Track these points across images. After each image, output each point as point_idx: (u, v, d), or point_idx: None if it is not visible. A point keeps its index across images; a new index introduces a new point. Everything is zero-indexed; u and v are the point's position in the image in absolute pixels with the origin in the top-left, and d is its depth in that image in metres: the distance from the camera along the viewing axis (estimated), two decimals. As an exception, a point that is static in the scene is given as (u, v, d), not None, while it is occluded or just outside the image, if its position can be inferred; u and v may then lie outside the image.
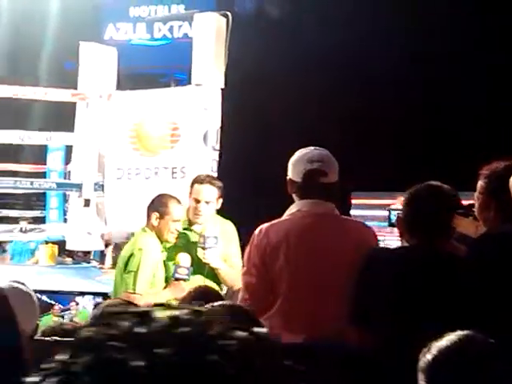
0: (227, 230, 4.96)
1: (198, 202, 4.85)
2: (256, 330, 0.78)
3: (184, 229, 4.94)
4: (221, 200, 4.92)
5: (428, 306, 3.09)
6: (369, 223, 4.24)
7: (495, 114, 9.62)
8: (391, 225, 4.27)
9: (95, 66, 6.57)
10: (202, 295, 3.38)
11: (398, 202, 9.57)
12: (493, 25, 9.51)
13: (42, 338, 3.16)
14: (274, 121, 9.46)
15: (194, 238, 4.92)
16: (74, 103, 6.70)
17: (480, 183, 3.32)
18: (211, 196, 4.87)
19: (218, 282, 4.89)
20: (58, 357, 0.75)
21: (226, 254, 4.90)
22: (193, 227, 4.94)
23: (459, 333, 2.07)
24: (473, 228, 3.45)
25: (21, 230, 6.62)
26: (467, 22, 9.43)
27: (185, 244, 4.93)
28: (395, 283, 3.14)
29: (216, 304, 3.23)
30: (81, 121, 6.60)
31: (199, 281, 4.81)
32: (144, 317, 0.76)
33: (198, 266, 4.87)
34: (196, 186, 4.90)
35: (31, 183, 6.70)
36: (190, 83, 6.48)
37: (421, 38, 9.58)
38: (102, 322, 0.76)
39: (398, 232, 3.39)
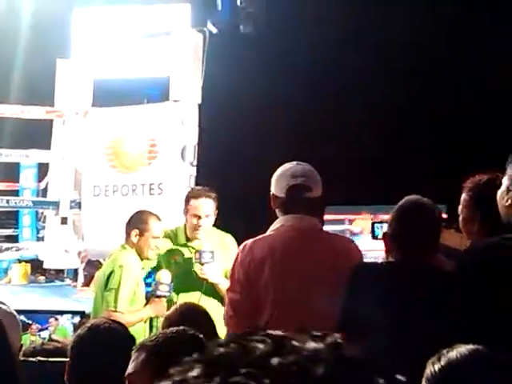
0: (228, 244, 4.90)
1: (197, 217, 4.81)
2: None
3: (181, 245, 4.89)
4: (216, 211, 4.88)
5: (414, 320, 3.09)
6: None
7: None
8: (375, 238, 4.27)
9: (71, 82, 6.53)
10: (189, 312, 3.35)
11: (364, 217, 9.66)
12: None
13: (26, 359, 3.12)
14: (252, 135, 9.47)
15: (190, 254, 4.87)
16: (45, 120, 6.65)
17: (464, 196, 3.34)
18: (209, 209, 4.83)
19: (219, 297, 4.74)
20: (186, 372, 0.71)
21: (228, 268, 4.83)
22: (191, 243, 4.88)
23: (468, 347, 2.06)
24: (457, 239, 3.46)
25: (-1, 249, 6.56)
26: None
27: (183, 261, 4.86)
28: (383, 297, 3.14)
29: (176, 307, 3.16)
30: (57, 138, 6.56)
31: (196, 298, 4.74)
32: (281, 345, 0.72)
33: (196, 283, 4.82)
34: (192, 201, 4.84)
35: (7, 201, 6.63)
36: (162, 99, 6.47)
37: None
38: (237, 341, 0.72)
39: (385, 247, 3.38)
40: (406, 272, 3.18)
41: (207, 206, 4.83)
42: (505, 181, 2.98)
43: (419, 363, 2.59)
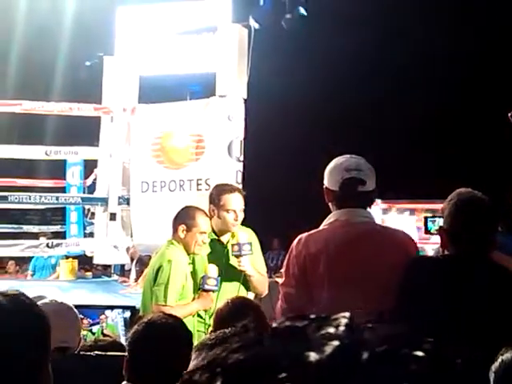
0: (252, 238, 4.98)
1: (234, 211, 4.86)
2: None
3: (211, 240, 4.93)
4: None
5: (471, 315, 3.05)
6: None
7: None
8: (427, 232, 4.24)
9: (118, 79, 6.57)
10: (240, 307, 3.34)
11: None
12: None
13: (84, 353, 3.15)
14: (298, 128, 9.46)
15: (221, 248, 4.92)
16: (90, 117, 6.70)
17: None
18: (243, 204, 4.91)
19: (248, 289, 4.94)
20: None
21: (254, 261, 4.91)
22: (222, 238, 4.94)
23: None
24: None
25: (47, 246, 6.62)
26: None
27: (213, 255, 4.92)
28: (440, 292, 3.11)
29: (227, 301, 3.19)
30: (105, 135, 6.61)
31: (235, 289, 4.86)
32: None
33: (233, 275, 4.88)
34: (227, 196, 4.90)
35: (57, 198, 6.69)
36: (205, 94, 6.49)
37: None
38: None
39: (440, 241, 3.34)
40: (464, 265, 3.14)
41: (241, 201, 4.93)
42: None
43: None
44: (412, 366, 0.71)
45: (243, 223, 5.08)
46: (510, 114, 3.32)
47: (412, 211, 9.36)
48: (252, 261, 4.91)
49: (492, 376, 2.08)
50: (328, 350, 0.72)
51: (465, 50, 9.58)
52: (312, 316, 0.76)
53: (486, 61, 9.73)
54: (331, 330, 0.73)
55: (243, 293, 4.98)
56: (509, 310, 2.99)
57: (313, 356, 0.71)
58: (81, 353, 3.11)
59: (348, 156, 3.56)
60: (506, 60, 9.65)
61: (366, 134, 9.73)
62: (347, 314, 0.76)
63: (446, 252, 3.31)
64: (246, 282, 4.92)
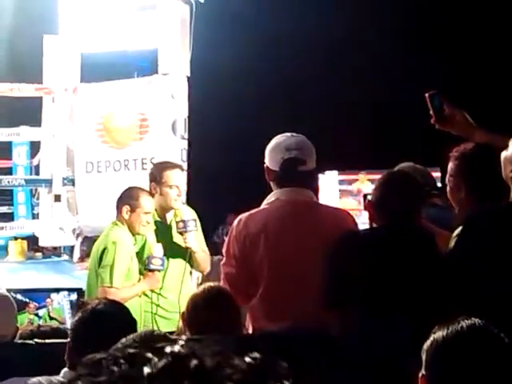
0: (194, 215, 4.98)
1: (175, 187, 4.86)
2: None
3: (155, 220, 4.93)
4: None
5: (403, 288, 3.10)
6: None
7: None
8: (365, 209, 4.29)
9: (59, 59, 6.48)
10: (216, 295, 3.30)
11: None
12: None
13: (24, 341, 3.13)
14: (243, 106, 9.44)
15: (164, 227, 4.92)
16: (35, 97, 6.61)
17: (450, 165, 3.33)
18: (184, 180, 4.93)
19: (196, 266, 4.99)
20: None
21: (197, 238, 4.93)
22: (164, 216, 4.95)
23: (470, 321, 2.07)
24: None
25: (-8, 229, 6.55)
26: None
27: (157, 234, 4.92)
28: (368, 266, 3.16)
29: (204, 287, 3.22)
30: (47, 115, 6.52)
31: (182, 266, 4.88)
32: None
33: (178, 253, 4.89)
34: (168, 172, 4.88)
35: (0, 181, 6.61)
36: (153, 71, 6.43)
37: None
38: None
39: (368, 215, 3.41)
40: (386, 238, 3.22)
41: (182, 177, 4.98)
42: None
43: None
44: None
45: (188, 202, 5.09)
46: (426, 95, 3.37)
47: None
48: (196, 238, 4.92)
49: (424, 355, 2.10)
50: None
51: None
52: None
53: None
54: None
55: (188, 271, 5.01)
56: (427, 276, 3.07)
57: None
58: (19, 341, 3.10)
59: (289, 134, 3.58)
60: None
61: (312, 107, 9.74)
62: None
63: (374, 225, 3.39)
64: (190, 260, 4.94)
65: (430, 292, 3.06)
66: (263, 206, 3.58)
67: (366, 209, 3.47)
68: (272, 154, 3.53)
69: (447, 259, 3.11)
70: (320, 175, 8.60)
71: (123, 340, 1.71)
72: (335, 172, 9.46)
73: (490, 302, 2.83)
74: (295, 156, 3.47)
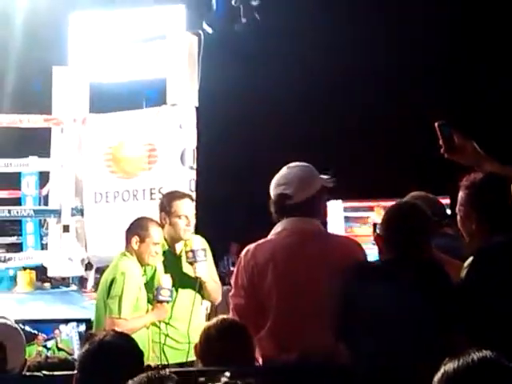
0: (204, 244, 4.96)
1: (184, 217, 4.85)
2: None
3: (164, 251, 4.92)
4: None
5: (412, 320, 3.09)
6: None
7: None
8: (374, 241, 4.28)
9: (68, 89, 6.52)
10: (230, 327, 3.28)
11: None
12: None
13: (32, 373, 3.12)
14: (250, 137, 9.47)
15: (174, 258, 4.91)
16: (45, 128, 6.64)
17: (460, 194, 3.32)
18: (194, 209, 4.93)
19: (203, 297, 4.97)
20: None
21: (207, 268, 4.91)
22: (174, 247, 4.94)
23: (481, 354, 2.04)
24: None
25: (0, 260, 6.55)
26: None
27: (166, 265, 4.91)
28: (378, 298, 3.15)
29: (217, 319, 3.20)
30: (56, 146, 6.55)
31: (191, 297, 4.86)
32: None
33: (188, 284, 4.87)
34: (179, 202, 4.89)
35: (9, 211, 6.62)
36: (161, 101, 6.46)
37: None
38: None
39: (377, 248, 3.40)
40: (398, 269, 3.21)
41: (192, 207, 4.93)
42: None
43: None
44: None
45: (198, 231, 5.07)
46: (436, 124, 3.36)
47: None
48: (206, 268, 4.91)
49: None
50: None
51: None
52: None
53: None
54: None
55: (198, 301, 4.98)
56: (437, 308, 3.06)
57: None
58: (27, 373, 3.08)
59: (285, 167, 3.60)
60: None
61: (322, 138, 9.77)
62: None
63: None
64: (201, 290, 4.92)
65: (441, 323, 3.04)
66: (270, 236, 3.59)
67: (375, 241, 3.46)
68: (271, 188, 3.57)
69: (458, 290, 3.09)
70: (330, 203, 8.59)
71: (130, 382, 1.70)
72: (339, 201, 9.45)
73: (503, 333, 2.81)
74: (281, 192, 3.50)
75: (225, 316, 3.34)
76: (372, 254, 3.64)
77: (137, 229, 4.87)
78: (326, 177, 3.58)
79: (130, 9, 7.07)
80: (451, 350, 2.19)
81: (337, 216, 9.46)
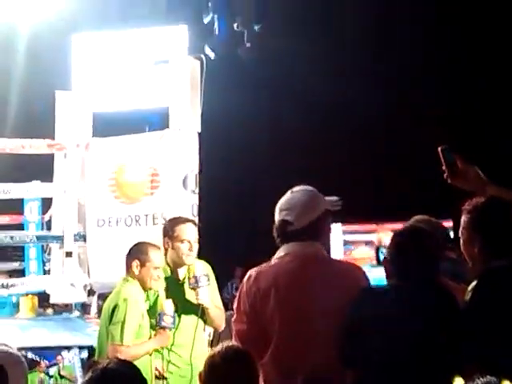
0: (208, 270, 4.96)
1: (187, 241, 4.85)
2: None
3: (166, 276, 4.90)
4: None
5: (420, 346, 3.08)
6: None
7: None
8: (379, 263, 4.29)
9: (71, 115, 6.52)
10: (235, 354, 3.26)
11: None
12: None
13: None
14: (252, 162, 9.49)
15: (176, 284, 4.90)
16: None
17: (463, 218, 3.32)
18: (197, 234, 4.92)
19: (206, 323, 4.97)
20: None
21: (211, 294, 4.90)
22: (177, 272, 4.93)
23: (487, 379, 2.04)
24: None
25: (2, 286, 6.52)
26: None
27: (169, 291, 4.89)
28: (382, 323, 3.14)
29: (222, 346, 3.18)
30: (59, 171, 6.54)
31: (194, 323, 4.85)
32: None
33: (190, 310, 4.85)
34: (181, 226, 4.90)
35: (11, 238, 6.60)
36: (164, 126, 6.46)
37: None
38: None
39: (385, 271, 3.40)
40: (407, 293, 3.21)
41: (195, 231, 4.92)
42: None
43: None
44: None
45: (201, 257, 5.05)
46: (440, 148, 3.37)
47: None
48: (209, 294, 4.89)
49: None
50: None
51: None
52: None
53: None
54: None
55: (201, 327, 4.96)
56: (440, 333, 3.04)
57: None
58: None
59: (289, 191, 3.59)
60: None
61: (324, 163, 9.78)
62: None
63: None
64: (204, 316, 4.90)
65: (445, 347, 3.03)
66: (273, 260, 3.57)
67: (383, 265, 3.46)
68: (275, 212, 3.56)
69: (462, 314, 3.08)
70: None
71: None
72: (339, 224, 9.44)
73: (507, 359, 2.79)
74: (283, 218, 3.50)
75: (229, 343, 3.31)
76: (371, 276, 3.63)
77: (137, 253, 4.87)
78: (332, 198, 3.56)
79: (131, 30, 7.11)
80: (458, 373, 2.19)
81: (336, 239, 9.45)
